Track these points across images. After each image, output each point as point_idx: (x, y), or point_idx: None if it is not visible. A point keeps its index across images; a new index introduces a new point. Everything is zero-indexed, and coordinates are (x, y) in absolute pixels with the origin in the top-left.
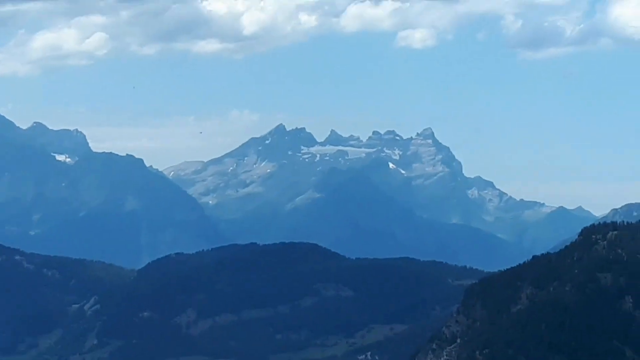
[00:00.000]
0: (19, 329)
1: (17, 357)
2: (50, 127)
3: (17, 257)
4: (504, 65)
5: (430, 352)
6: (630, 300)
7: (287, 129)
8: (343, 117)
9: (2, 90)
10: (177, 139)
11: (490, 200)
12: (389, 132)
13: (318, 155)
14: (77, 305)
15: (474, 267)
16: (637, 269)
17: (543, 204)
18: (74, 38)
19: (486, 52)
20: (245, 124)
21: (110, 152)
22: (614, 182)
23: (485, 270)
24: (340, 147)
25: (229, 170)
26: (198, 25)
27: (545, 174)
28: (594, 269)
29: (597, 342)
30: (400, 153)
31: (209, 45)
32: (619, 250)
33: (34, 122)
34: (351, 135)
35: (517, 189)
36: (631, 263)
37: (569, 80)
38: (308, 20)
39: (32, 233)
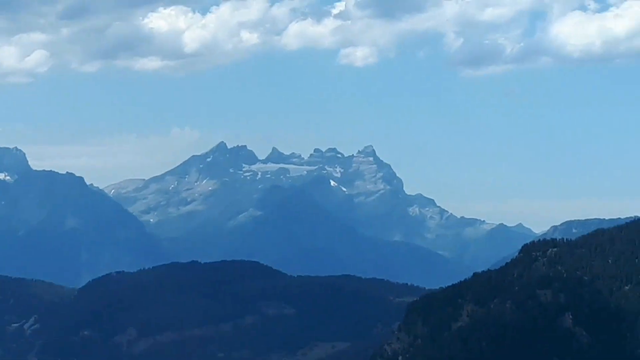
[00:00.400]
0: None
1: None
2: None
3: None
4: (445, 83)
5: None
6: (570, 316)
7: (229, 147)
8: (284, 135)
9: None
10: (118, 157)
11: (431, 217)
12: (330, 150)
13: (259, 173)
14: (16, 325)
15: (415, 285)
16: (577, 286)
17: (483, 221)
18: (14, 55)
19: (427, 69)
20: (187, 141)
21: (51, 170)
22: (554, 200)
23: (426, 288)
24: (281, 165)
25: (170, 188)
26: (139, 43)
27: (486, 191)
28: (534, 285)
29: (538, 358)
30: (342, 171)
31: (150, 63)
32: (559, 267)
33: None
34: (292, 153)
35: (457, 207)
36: (571, 280)
37: (510, 98)
38: (250, 38)
39: None
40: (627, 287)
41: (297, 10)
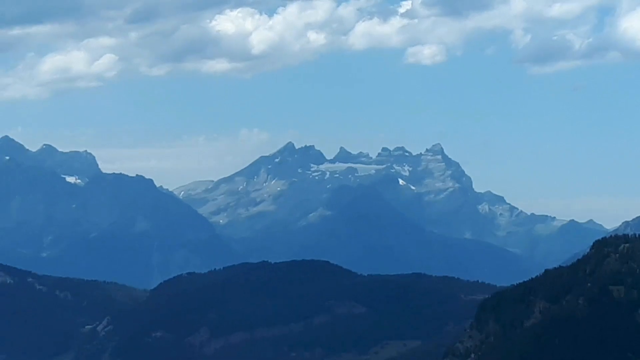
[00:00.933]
0: (33, 351)
1: None
2: (59, 149)
3: (29, 280)
4: (513, 79)
5: None
6: None
7: (297, 147)
8: (352, 134)
9: (12, 113)
10: (187, 159)
11: (501, 214)
12: (398, 149)
13: (328, 173)
14: (89, 327)
15: (486, 282)
16: None
17: (554, 217)
18: (83, 60)
19: (495, 67)
20: (255, 142)
21: (120, 173)
22: (625, 195)
23: (497, 285)
24: (349, 164)
25: (239, 189)
26: (207, 45)
27: (556, 188)
28: (607, 281)
29: (611, 355)
30: (410, 169)
31: (218, 65)
32: (631, 263)
33: (44, 145)
34: (360, 152)
35: (527, 203)
36: None
37: (578, 94)
38: (317, 38)
39: (43, 255)
40: None
41: (363, 10)
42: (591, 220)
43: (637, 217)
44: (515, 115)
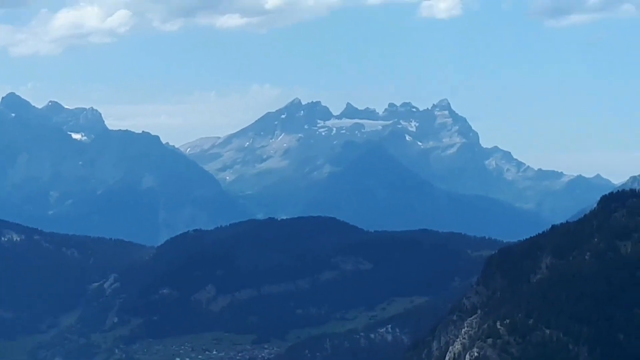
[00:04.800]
0: (39, 309)
1: (38, 337)
2: (65, 106)
3: (36, 237)
4: (527, 33)
5: (451, 323)
6: None
7: (303, 103)
8: (360, 90)
9: (23, 69)
10: (197, 116)
11: (508, 170)
12: (405, 104)
13: (334, 129)
14: (96, 284)
15: (493, 238)
16: None
17: (561, 173)
18: (96, 16)
19: (510, 20)
20: (266, 99)
21: (127, 130)
22: (633, 150)
23: (504, 241)
24: (356, 120)
25: (246, 146)
26: (220, 0)
27: (563, 143)
28: (614, 237)
29: (618, 310)
30: (417, 125)
31: (231, 20)
32: (638, 218)
33: (49, 102)
34: (367, 108)
35: (535, 159)
36: None
37: (591, 48)
38: None
39: (50, 212)
40: None
41: None
42: (598, 175)
43: None
44: (526, 69)
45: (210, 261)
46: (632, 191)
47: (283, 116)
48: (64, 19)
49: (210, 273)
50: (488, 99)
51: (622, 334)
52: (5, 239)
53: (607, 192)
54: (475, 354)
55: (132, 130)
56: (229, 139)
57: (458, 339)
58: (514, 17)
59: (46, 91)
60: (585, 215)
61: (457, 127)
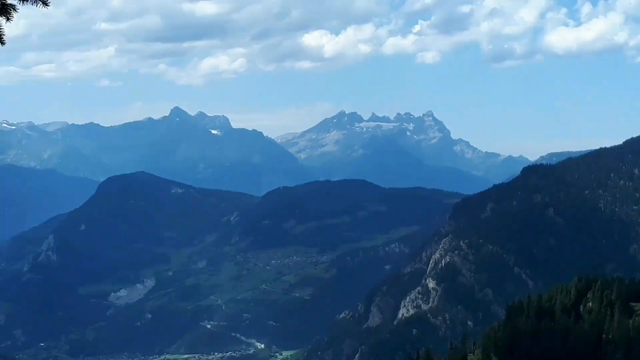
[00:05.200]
0: (193, 232)
1: (192, 248)
2: (208, 114)
3: (191, 190)
4: (481, 73)
5: (433, 242)
6: (552, 210)
7: (346, 112)
8: (379, 105)
9: (183, 93)
10: (284, 120)
11: (467, 152)
12: (406, 113)
13: (364, 128)
14: (225, 218)
15: (459, 192)
16: (557, 191)
17: (499, 154)
18: (225, 62)
19: (470, 64)
20: (325, 110)
21: (243, 128)
22: (545, 138)
23: (465, 194)
24: (377, 123)
25: (312, 138)
26: (298, 53)
27: (500, 134)
28: (531, 191)
29: (536, 236)
30: (414, 126)
31: (305, 64)
32: (546, 179)
33: (198, 112)
34: (384, 116)
35: (484, 145)
36: (553, 187)
37: (519, 81)
38: (364, 48)
39: (199, 176)
40: (600, 191)
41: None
42: (521, 155)
43: (548, 154)
44: (480, 92)
45: (292, 204)
46: (542, 165)
47: (335, 120)
48: (207, 64)
49: (293, 211)
50: (457, 111)
51: (534, 249)
52: (174, 192)
53: (526, 165)
54: (447, 259)
55: (247, 128)
56: (303, 134)
57: (437, 251)
58: (473, 62)
59: (197, 105)
60: (513, 179)
61: (437, 127)
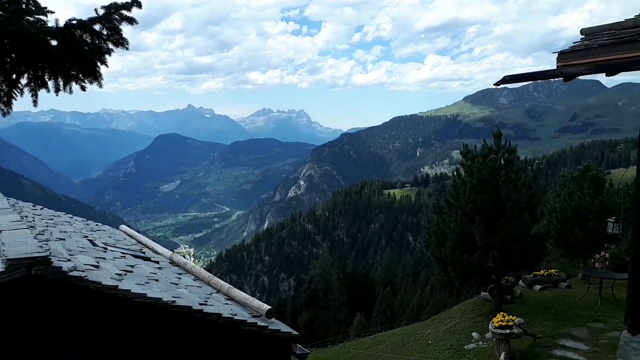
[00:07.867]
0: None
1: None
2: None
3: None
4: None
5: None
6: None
7: (266, 108)
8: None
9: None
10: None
11: (318, 127)
12: (291, 110)
13: (275, 115)
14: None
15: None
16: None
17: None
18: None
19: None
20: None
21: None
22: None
23: (316, 144)
24: (280, 113)
25: (253, 119)
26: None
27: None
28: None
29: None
30: (295, 115)
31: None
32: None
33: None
34: (283, 109)
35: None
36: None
37: None
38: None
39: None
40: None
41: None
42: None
43: (351, 128)
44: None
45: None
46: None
47: (261, 111)
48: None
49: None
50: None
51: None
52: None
53: (343, 133)
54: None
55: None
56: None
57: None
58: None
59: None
60: (337, 139)
61: (305, 116)
